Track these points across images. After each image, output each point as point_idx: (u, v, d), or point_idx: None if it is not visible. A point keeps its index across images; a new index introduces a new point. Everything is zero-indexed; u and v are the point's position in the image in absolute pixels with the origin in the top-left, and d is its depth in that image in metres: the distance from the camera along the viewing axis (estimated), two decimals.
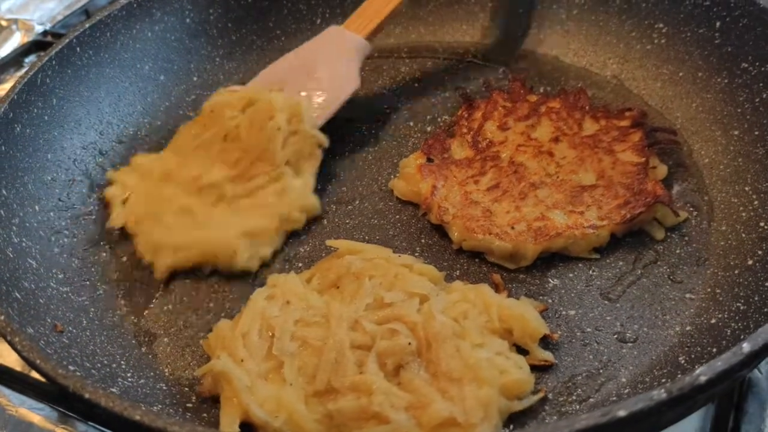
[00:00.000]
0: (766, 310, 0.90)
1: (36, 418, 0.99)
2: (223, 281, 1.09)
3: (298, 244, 1.14)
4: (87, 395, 0.72)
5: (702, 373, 0.67)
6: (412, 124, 1.35)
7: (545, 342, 0.95)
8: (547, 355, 0.92)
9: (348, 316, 0.90)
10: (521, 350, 0.93)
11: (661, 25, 1.35)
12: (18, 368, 1.05)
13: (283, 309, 0.93)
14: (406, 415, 0.81)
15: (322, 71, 1.28)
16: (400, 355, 0.86)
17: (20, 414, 1.00)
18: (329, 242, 1.05)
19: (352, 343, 0.88)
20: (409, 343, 0.86)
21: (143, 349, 1.01)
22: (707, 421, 0.91)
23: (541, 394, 0.88)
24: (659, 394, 0.66)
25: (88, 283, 1.09)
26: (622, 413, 0.64)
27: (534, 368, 0.91)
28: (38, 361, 0.77)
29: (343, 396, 0.83)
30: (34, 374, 1.04)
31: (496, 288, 1.01)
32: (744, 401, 0.92)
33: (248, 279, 1.09)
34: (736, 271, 0.99)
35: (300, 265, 1.10)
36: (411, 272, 0.98)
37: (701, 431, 0.90)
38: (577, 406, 0.88)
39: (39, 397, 1.01)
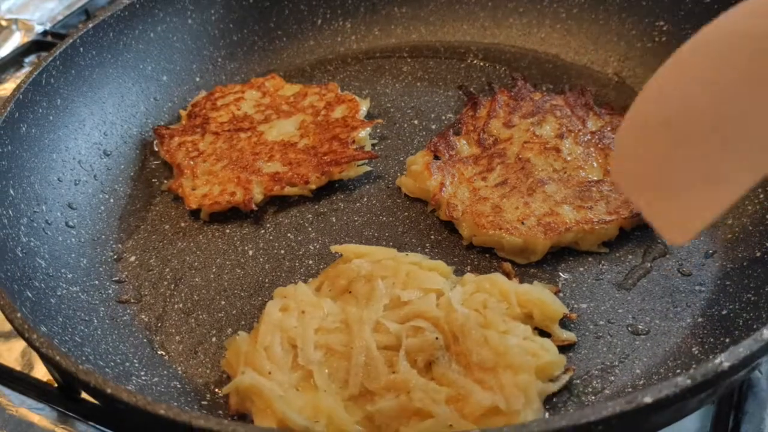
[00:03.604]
0: None
1: (36, 418, 0.99)
2: (234, 278, 1.09)
3: (307, 242, 1.14)
4: (109, 390, 0.72)
5: (725, 360, 0.68)
6: (416, 122, 1.35)
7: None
8: (568, 335, 0.94)
9: (368, 318, 0.90)
10: (542, 333, 0.94)
11: (661, 23, 1.36)
12: (18, 368, 1.05)
13: (300, 319, 0.92)
14: (448, 407, 0.81)
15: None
16: (429, 351, 0.87)
17: (20, 414, 1.00)
18: (334, 248, 1.04)
19: (378, 344, 0.88)
20: (437, 338, 0.87)
21: (155, 348, 1.01)
22: (707, 421, 0.91)
23: (570, 373, 0.89)
24: (684, 380, 0.66)
25: (96, 282, 1.09)
26: (648, 399, 0.65)
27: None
28: (58, 357, 0.76)
29: (380, 397, 0.84)
30: (34, 374, 1.04)
31: (507, 276, 1.01)
32: (744, 401, 0.93)
33: (259, 278, 1.09)
34: (745, 263, 1.00)
35: (310, 262, 1.10)
36: (421, 269, 0.98)
37: (701, 431, 0.91)
38: (593, 398, 0.89)
39: (39, 397, 1.01)
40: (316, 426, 0.82)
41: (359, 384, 0.86)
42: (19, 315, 0.82)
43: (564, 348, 0.94)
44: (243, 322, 1.03)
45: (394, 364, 0.86)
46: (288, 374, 0.88)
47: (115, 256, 1.15)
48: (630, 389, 0.89)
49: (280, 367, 0.88)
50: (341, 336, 0.90)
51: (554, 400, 0.88)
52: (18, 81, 1.17)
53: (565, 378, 0.89)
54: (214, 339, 1.01)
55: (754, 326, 0.89)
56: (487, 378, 0.84)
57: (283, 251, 1.13)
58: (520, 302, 0.93)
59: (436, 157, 1.20)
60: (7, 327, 1.08)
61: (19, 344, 1.09)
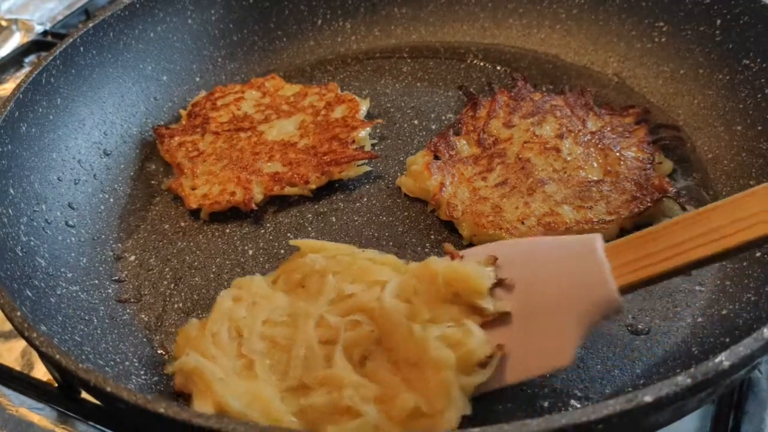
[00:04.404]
0: None
1: (36, 418, 0.99)
2: (234, 278, 1.09)
3: None
4: (108, 389, 0.72)
5: (725, 359, 0.68)
6: (416, 122, 1.35)
7: None
8: (500, 306, 0.86)
9: (313, 312, 0.90)
10: None
11: (661, 24, 1.36)
12: (18, 368, 1.05)
13: (250, 310, 0.93)
14: (376, 407, 0.80)
15: (530, 322, 0.85)
16: (364, 345, 0.85)
17: (20, 414, 1.00)
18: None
19: (320, 338, 0.87)
20: (372, 331, 0.86)
21: (155, 347, 1.01)
22: (707, 421, 0.91)
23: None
24: (684, 379, 0.66)
25: (96, 281, 1.09)
26: (648, 398, 0.65)
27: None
28: (57, 356, 0.76)
29: (314, 391, 0.83)
30: (34, 374, 1.05)
31: (451, 257, 0.94)
32: (744, 401, 0.93)
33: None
34: (745, 263, 1.00)
35: None
36: (374, 264, 0.96)
37: (701, 431, 0.91)
38: (593, 397, 0.89)
39: (39, 397, 1.01)
40: (251, 412, 0.82)
41: (297, 377, 0.85)
42: (18, 314, 0.82)
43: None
44: None
45: (331, 359, 0.86)
46: (231, 361, 0.88)
47: (115, 256, 1.14)
48: (630, 389, 0.89)
49: (225, 353, 0.89)
50: (286, 329, 0.90)
51: (554, 399, 0.88)
52: (18, 81, 1.17)
53: (494, 364, 0.83)
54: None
55: (754, 326, 0.88)
56: (413, 375, 0.81)
57: (283, 251, 1.13)
58: (447, 281, 0.87)
59: (436, 157, 1.20)
60: (7, 327, 1.08)
61: (19, 344, 1.09)
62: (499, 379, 0.84)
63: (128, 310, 1.06)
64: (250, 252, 1.13)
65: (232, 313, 0.93)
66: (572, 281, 0.83)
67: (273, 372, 0.87)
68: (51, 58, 1.22)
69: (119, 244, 1.16)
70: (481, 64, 1.49)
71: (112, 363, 0.94)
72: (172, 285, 1.09)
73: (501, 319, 0.86)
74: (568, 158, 1.16)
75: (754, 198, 0.78)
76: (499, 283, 0.88)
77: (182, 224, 1.19)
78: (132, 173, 1.29)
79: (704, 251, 0.77)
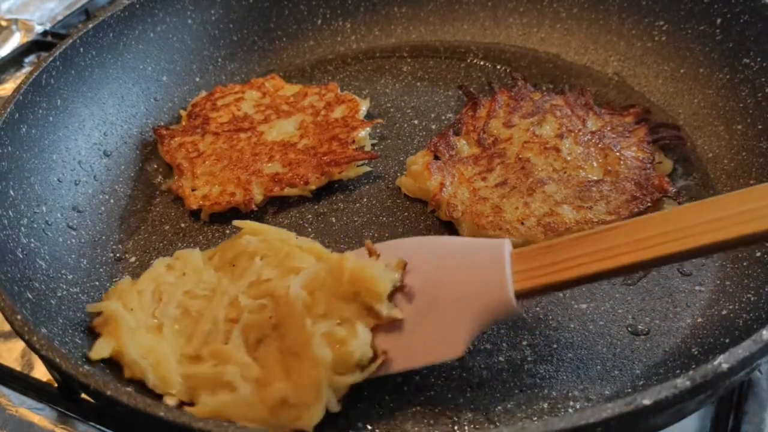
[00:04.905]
0: None
1: (36, 418, 1.00)
2: None
3: None
4: (109, 392, 0.72)
5: (724, 361, 0.68)
6: (416, 122, 1.35)
7: (557, 333, 0.95)
8: (394, 313, 0.86)
9: (230, 291, 0.94)
10: None
11: (661, 23, 1.36)
12: (18, 368, 1.06)
13: (178, 279, 0.99)
14: (252, 388, 0.83)
15: (429, 316, 0.86)
16: (261, 329, 0.88)
17: (20, 414, 1.00)
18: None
19: (227, 316, 0.91)
20: (270, 317, 0.88)
21: None
22: (707, 421, 0.91)
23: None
24: (683, 382, 0.66)
25: (97, 283, 1.09)
26: (647, 401, 0.65)
27: (540, 358, 0.92)
28: (58, 360, 0.76)
29: (205, 362, 0.88)
30: (34, 374, 1.05)
31: (369, 254, 0.93)
32: (744, 401, 0.93)
33: None
34: (745, 263, 1.00)
35: None
36: (302, 251, 0.97)
37: (701, 431, 0.91)
38: (593, 399, 0.89)
39: (39, 397, 1.01)
40: (144, 363, 0.88)
41: (198, 348, 0.90)
42: (19, 317, 0.82)
43: (564, 349, 0.94)
44: None
45: (230, 337, 0.90)
46: (146, 317, 0.95)
47: (116, 257, 1.15)
48: (629, 390, 0.89)
49: (143, 309, 0.95)
50: (202, 302, 0.95)
51: (554, 400, 0.88)
52: (18, 81, 1.18)
53: (372, 368, 0.84)
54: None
55: (754, 326, 0.89)
56: (293, 365, 0.84)
57: None
58: (351, 279, 0.87)
59: (436, 157, 1.20)
60: (8, 327, 1.08)
61: (19, 344, 1.09)
62: (390, 365, 0.86)
63: None
64: None
65: (160, 278, 0.99)
66: (472, 280, 0.85)
67: (179, 336, 0.92)
68: (51, 59, 1.22)
69: (120, 246, 1.17)
70: (481, 63, 1.49)
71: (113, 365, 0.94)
72: None
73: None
74: (568, 158, 1.16)
75: (653, 222, 0.82)
76: (401, 289, 0.89)
77: (182, 225, 1.19)
78: (132, 174, 1.29)
79: (601, 266, 0.81)
